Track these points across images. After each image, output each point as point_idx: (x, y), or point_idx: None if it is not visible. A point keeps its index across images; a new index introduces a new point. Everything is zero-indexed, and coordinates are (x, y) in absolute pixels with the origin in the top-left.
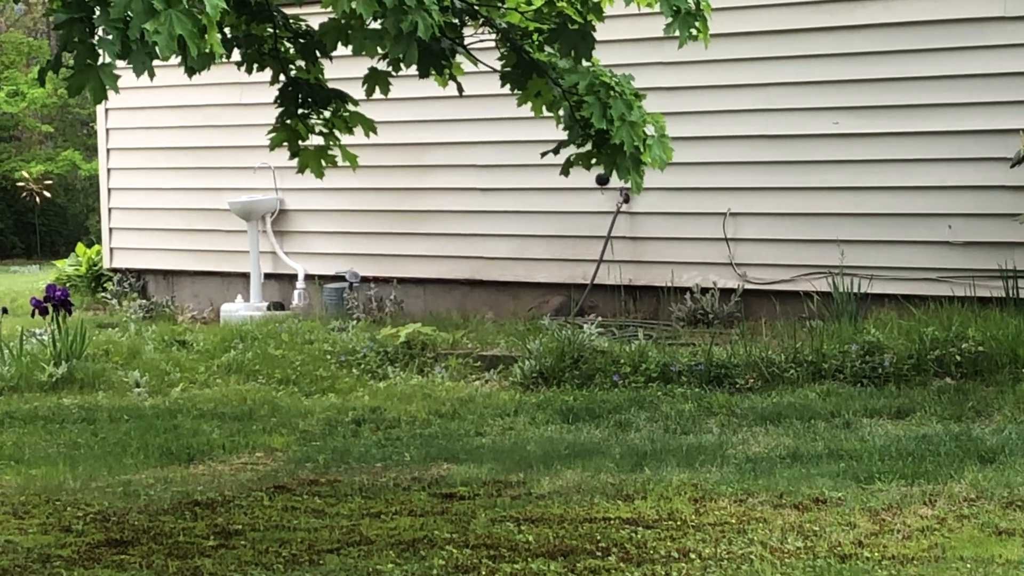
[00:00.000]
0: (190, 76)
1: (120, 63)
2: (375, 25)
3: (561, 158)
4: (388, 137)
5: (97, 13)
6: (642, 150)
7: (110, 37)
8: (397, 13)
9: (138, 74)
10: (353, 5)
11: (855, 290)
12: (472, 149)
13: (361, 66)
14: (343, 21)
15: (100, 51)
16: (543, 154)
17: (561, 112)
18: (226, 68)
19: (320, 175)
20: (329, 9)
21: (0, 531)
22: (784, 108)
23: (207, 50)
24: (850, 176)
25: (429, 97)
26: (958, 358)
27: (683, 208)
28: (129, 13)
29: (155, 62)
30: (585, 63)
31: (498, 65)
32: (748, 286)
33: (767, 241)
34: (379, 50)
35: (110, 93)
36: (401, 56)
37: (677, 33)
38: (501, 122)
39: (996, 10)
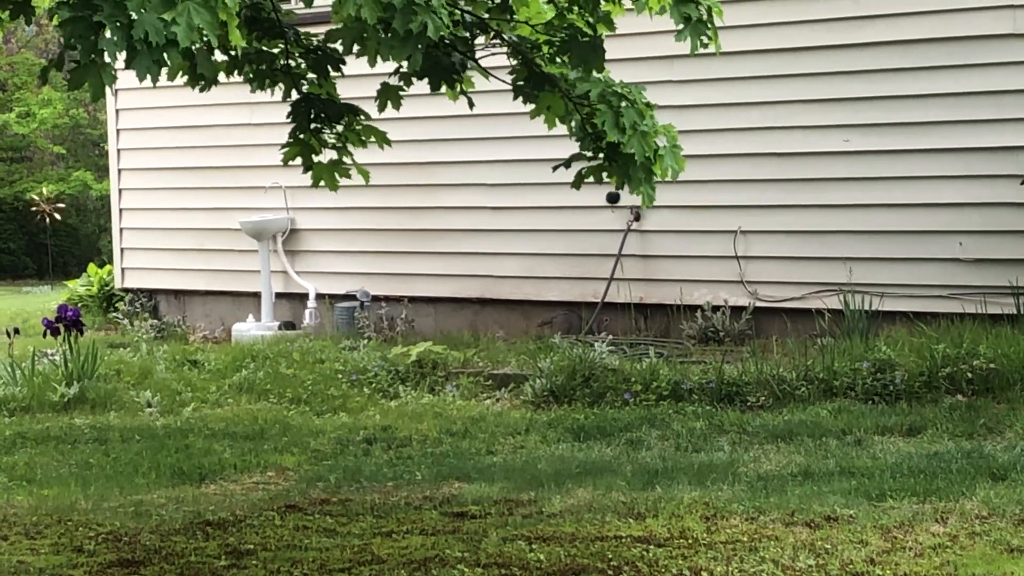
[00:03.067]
0: (207, 87)
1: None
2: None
3: (571, 174)
4: (398, 156)
5: (103, 10)
6: (654, 160)
7: (115, 38)
8: (407, 14)
9: (141, 79)
10: (361, 12)
11: (866, 307)
12: (482, 168)
13: (371, 85)
14: (357, 24)
15: (103, 50)
16: (555, 167)
17: (573, 124)
18: (237, 88)
19: (334, 188)
20: (340, 25)
21: (12, 551)
22: (794, 126)
23: (228, 45)
24: (860, 193)
25: (439, 116)
26: (969, 375)
27: (693, 226)
28: (143, 10)
29: (165, 81)
30: (596, 74)
31: (509, 80)
32: (759, 304)
33: (778, 259)
34: (393, 57)
35: (123, 116)
36: (407, 59)
37: (688, 41)
38: (511, 141)
39: (1006, 27)
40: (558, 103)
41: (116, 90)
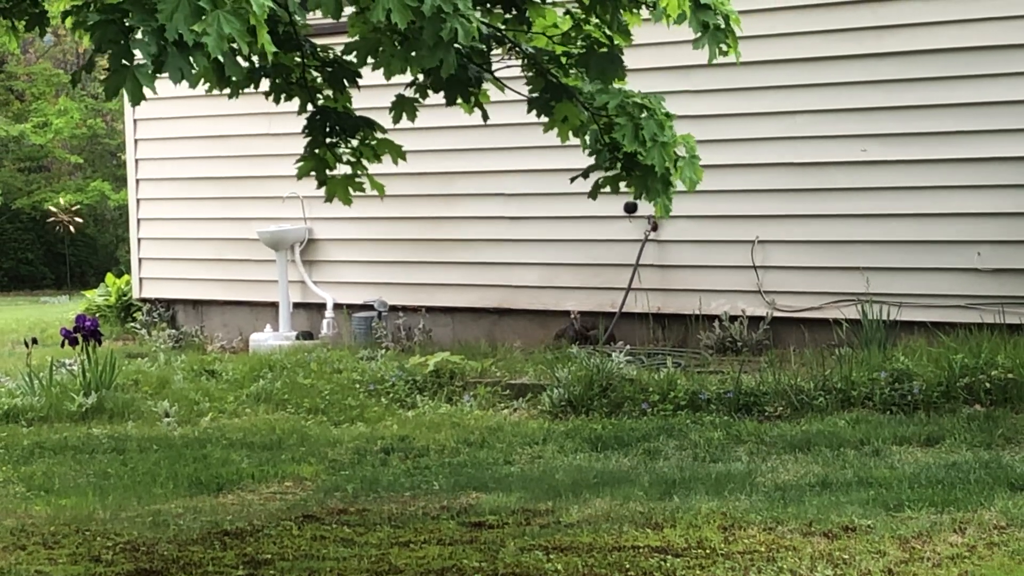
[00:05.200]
0: (234, 93)
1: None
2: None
3: (589, 184)
4: (416, 166)
5: (133, 16)
6: (673, 171)
7: (146, 39)
8: (435, 21)
9: (175, 81)
10: (392, 16)
11: (884, 317)
12: (500, 177)
13: (387, 97)
14: (373, 35)
15: (136, 52)
16: (572, 178)
17: (588, 137)
18: (255, 98)
19: (348, 202)
20: (356, 37)
21: (30, 561)
22: (811, 136)
23: (256, 56)
24: (878, 203)
25: (456, 126)
26: (987, 385)
27: (711, 236)
28: (176, 18)
29: (185, 91)
30: (615, 85)
31: (525, 91)
32: (777, 314)
33: (795, 269)
34: (407, 70)
35: (141, 126)
36: (439, 64)
37: (706, 49)
38: (529, 150)
39: None
40: (575, 113)
41: None
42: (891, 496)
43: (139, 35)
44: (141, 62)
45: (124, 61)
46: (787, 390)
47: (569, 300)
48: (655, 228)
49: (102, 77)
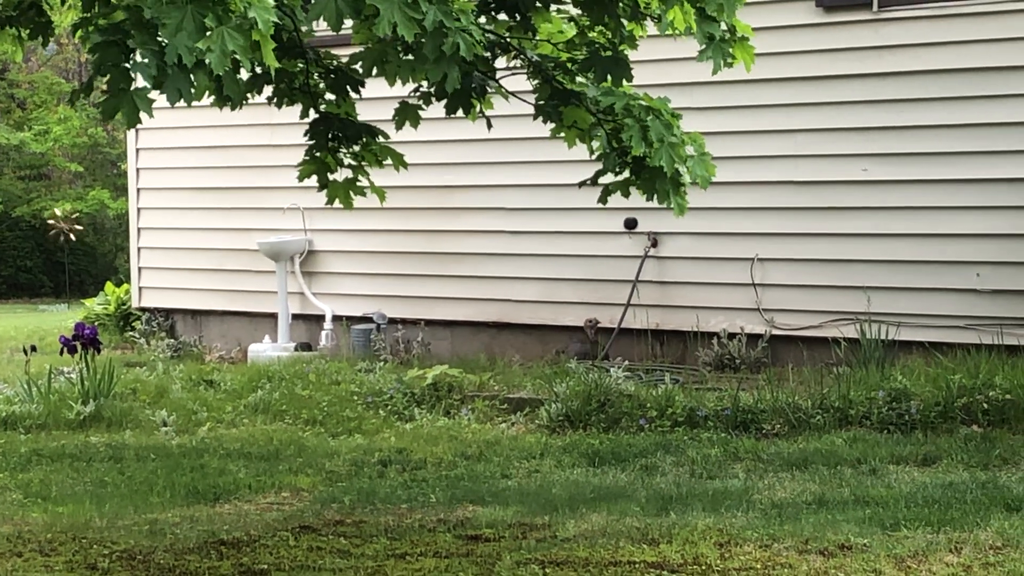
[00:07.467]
0: (234, 107)
1: (155, 94)
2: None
3: (591, 199)
4: (417, 179)
5: (134, 35)
6: (682, 171)
7: (146, 61)
8: (437, 36)
9: (172, 102)
10: (398, 30)
11: (883, 337)
12: (501, 192)
13: (389, 108)
14: (378, 46)
15: (134, 75)
16: (581, 184)
17: (595, 143)
18: (257, 109)
19: (349, 206)
20: (360, 46)
21: (27, 568)
22: (812, 154)
23: (259, 66)
24: (878, 223)
25: (458, 140)
26: (985, 406)
27: (711, 253)
28: (178, 38)
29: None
30: (620, 88)
31: (530, 102)
32: (775, 332)
33: (795, 287)
34: (412, 79)
35: (143, 135)
36: (443, 79)
37: (711, 62)
38: (530, 165)
39: None
40: (583, 117)
41: None
42: (887, 515)
43: (139, 57)
44: (140, 85)
45: (123, 84)
46: (785, 408)
47: (568, 315)
48: (655, 244)
49: (102, 92)
